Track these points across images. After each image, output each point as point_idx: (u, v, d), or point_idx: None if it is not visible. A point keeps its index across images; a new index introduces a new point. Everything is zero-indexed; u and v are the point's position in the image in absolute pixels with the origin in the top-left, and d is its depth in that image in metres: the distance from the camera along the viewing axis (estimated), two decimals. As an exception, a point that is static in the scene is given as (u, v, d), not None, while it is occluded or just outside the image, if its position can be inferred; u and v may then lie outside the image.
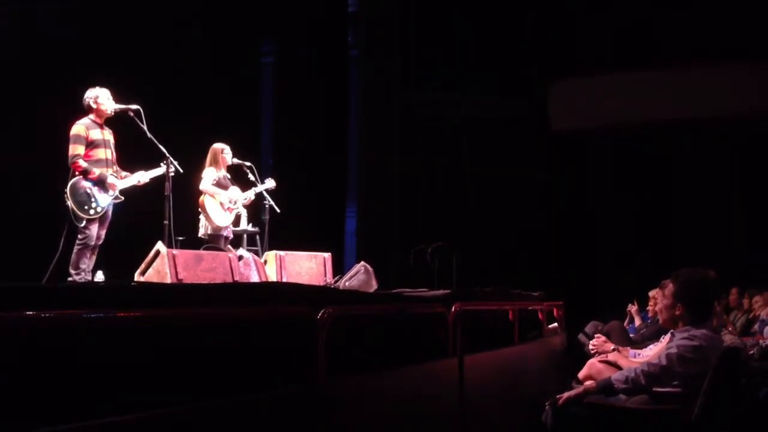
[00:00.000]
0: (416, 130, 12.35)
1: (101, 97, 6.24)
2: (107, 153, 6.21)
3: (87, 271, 6.06)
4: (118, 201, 6.21)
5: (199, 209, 7.14)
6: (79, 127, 6.11)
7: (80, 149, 6.04)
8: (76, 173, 5.99)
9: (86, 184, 6.00)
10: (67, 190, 5.95)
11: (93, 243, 6.07)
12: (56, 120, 6.41)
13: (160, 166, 6.41)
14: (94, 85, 6.31)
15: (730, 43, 11.45)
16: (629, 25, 12.19)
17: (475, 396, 4.19)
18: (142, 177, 6.37)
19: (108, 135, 6.29)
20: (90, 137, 6.11)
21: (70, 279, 5.94)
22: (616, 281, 11.00)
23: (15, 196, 7.56)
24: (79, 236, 6.01)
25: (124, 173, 6.31)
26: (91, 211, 5.98)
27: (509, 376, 5.11)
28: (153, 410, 2.12)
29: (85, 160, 6.03)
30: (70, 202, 5.93)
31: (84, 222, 5.98)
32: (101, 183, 6.04)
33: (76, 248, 6.00)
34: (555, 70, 12.58)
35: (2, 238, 7.25)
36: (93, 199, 6.00)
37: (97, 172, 6.03)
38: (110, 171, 6.17)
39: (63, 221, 5.99)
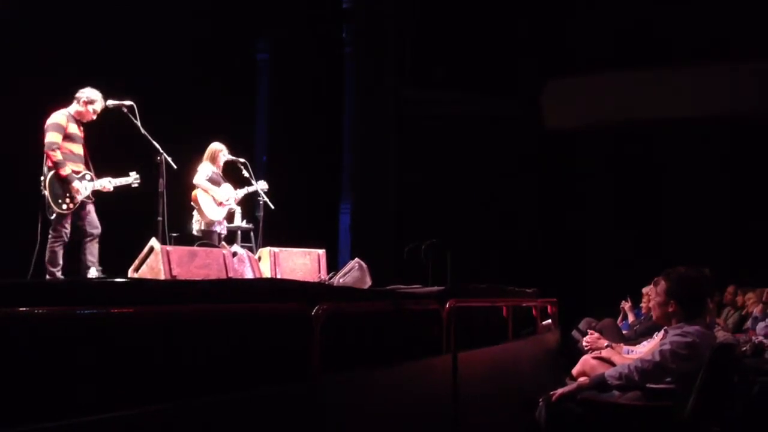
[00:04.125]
0: (410, 127, 12.36)
1: (96, 104, 6.20)
2: (80, 148, 6.18)
3: (93, 262, 6.03)
4: (89, 201, 6.16)
5: (193, 203, 7.16)
6: (59, 117, 6.05)
7: (57, 138, 5.97)
8: (49, 163, 5.92)
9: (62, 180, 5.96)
10: (46, 180, 5.90)
11: (68, 239, 6.02)
12: (46, 114, 6.36)
13: (129, 174, 6.37)
14: (87, 82, 6.30)
15: (726, 43, 11.47)
16: (625, 24, 12.20)
17: (469, 392, 4.19)
18: (107, 184, 6.27)
19: (82, 132, 6.25)
20: (68, 130, 6.07)
21: (48, 277, 5.86)
22: (609, 278, 11.02)
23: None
24: (53, 233, 5.95)
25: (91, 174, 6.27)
26: (64, 206, 5.94)
27: (503, 373, 5.12)
28: (147, 407, 2.12)
29: (60, 152, 5.97)
30: (46, 192, 5.91)
31: (54, 215, 5.93)
32: (65, 183, 5.93)
33: (50, 245, 5.93)
34: (550, 68, 12.59)
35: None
36: (68, 195, 5.96)
37: (67, 170, 5.95)
38: (83, 173, 6.12)
39: (38, 211, 5.97)
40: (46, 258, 5.93)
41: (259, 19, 11.47)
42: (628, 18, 12.20)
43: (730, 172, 11.74)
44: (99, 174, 6.31)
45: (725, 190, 11.72)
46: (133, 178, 6.38)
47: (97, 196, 6.26)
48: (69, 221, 6.03)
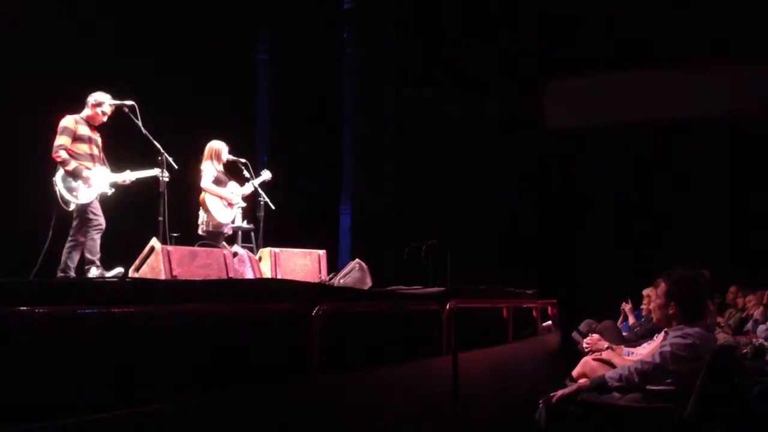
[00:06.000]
0: (411, 127, 12.36)
1: (103, 106, 6.31)
2: (93, 149, 6.26)
3: (71, 267, 6.12)
4: (107, 192, 6.23)
5: (200, 206, 7.12)
6: (68, 120, 6.18)
7: (65, 140, 6.10)
8: (56, 162, 6.04)
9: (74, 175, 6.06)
10: (55, 178, 6.02)
11: (104, 227, 6.18)
12: (53, 115, 6.39)
13: (152, 167, 6.45)
14: (89, 81, 6.34)
15: (726, 43, 11.47)
16: (625, 24, 12.20)
17: (469, 393, 4.19)
18: (128, 176, 6.39)
19: (96, 135, 6.34)
20: (78, 132, 6.18)
21: (87, 266, 6.10)
22: (610, 279, 11.02)
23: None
24: (87, 224, 6.10)
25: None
26: (81, 197, 6.02)
27: (503, 374, 5.12)
28: (146, 406, 2.12)
29: (69, 153, 6.06)
30: (58, 188, 6.00)
31: (73, 206, 6.05)
32: (75, 176, 6.05)
33: (90, 234, 6.10)
34: (551, 68, 12.59)
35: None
36: (80, 187, 6.04)
37: (73, 165, 6.04)
38: (95, 166, 6.18)
39: (51, 211, 6.03)
40: (86, 247, 6.09)
41: (260, 19, 11.48)
42: (628, 18, 12.20)
43: (730, 173, 11.73)
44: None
45: (725, 190, 11.71)
46: (157, 171, 6.42)
47: (118, 190, 6.35)
48: (96, 208, 6.13)
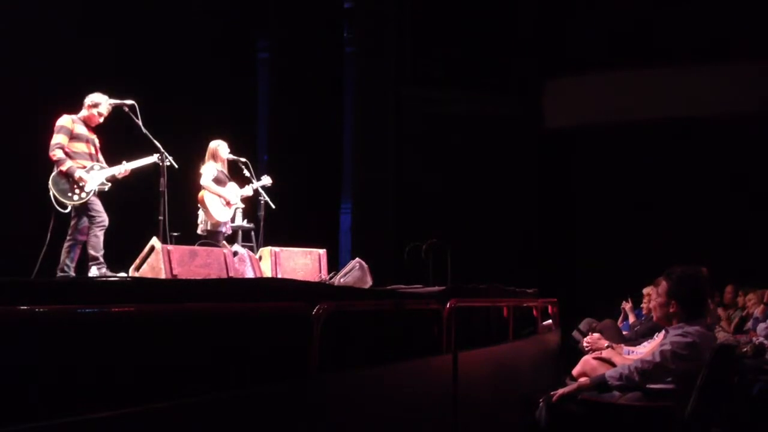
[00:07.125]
0: (411, 126, 12.36)
1: (100, 107, 6.29)
2: (90, 148, 6.25)
3: (70, 266, 6.11)
4: (104, 186, 6.20)
5: (199, 205, 7.13)
6: (65, 120, 6.16)
7: (62, 139, 6.07)
8: (52, 160, 6.02)
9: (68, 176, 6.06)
10: (49, 181, 5.98)
11: (107, 223, 6.16)
12: (52, 116, 6.38)
13: (153, 154, 6.43)
14: (90, 80, 6.33)
15: (726, 43, 11.48)
16: (624, 24, 12.21)
17: (469, 392, 4.19)
18: (124, 167, 6.34)
19: (93, 135, 6.34)
20: (75, 131, 6.17)
21: (90, 262, 6.08)
22: (609, 278, 11.01)
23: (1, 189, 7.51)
24: (89, 222, 6.09)
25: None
26: (75, 197, 6.00)
27: (503, 373, 5.12)
28: (147, 405, 2.12)
29: (65, 152, 6.05)
30: (53, 192, 5.96)
31: (70, 208, 6.03)
32: (68, 177, 6.01)
33: (92, 231, 6.08)
34: (549, 68, 12.60)
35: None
36: (75, 185, 6.03)
37: (67, 165, 6.01)
38: (91, 164, 6.18)
39: (49, 214, 6.02)
40: (90, 244, 6.07)
41: (261, 18, 11.48)
42: (627, 18, 12.20)
43: (730, 172, 11.72)
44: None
45: (725, 189, 11.70)
46: (155, 158, 6.38)
47: (119, 190, 6.32)
48: (96, 205, 6.12)
